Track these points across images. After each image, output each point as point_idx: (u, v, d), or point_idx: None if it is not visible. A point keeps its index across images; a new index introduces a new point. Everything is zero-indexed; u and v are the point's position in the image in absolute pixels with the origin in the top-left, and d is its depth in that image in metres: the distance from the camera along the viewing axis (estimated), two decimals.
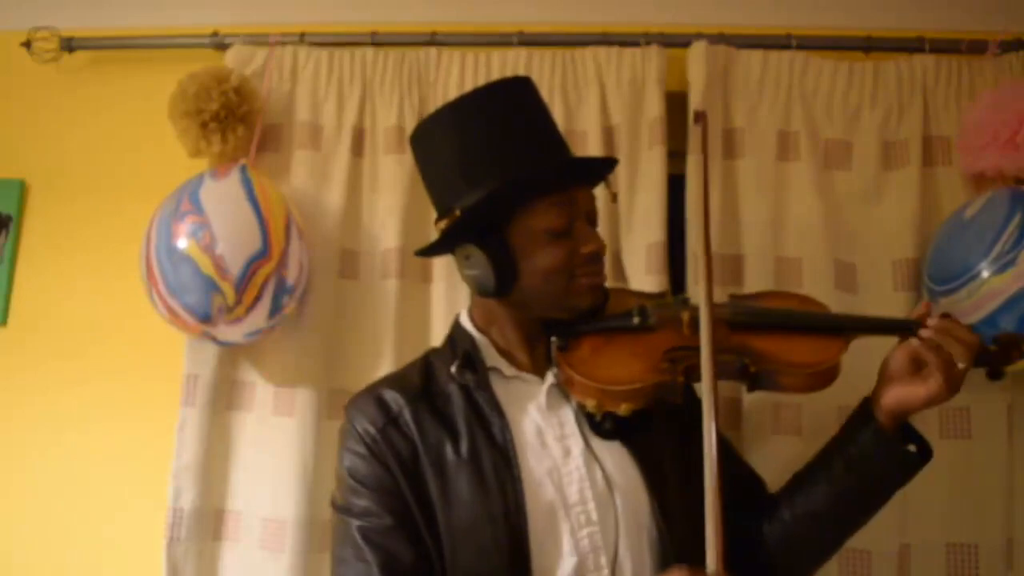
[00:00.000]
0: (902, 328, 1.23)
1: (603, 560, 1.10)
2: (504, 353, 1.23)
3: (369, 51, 1.78)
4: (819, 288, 1.64)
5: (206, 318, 1.53)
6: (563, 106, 1.73)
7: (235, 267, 1.51)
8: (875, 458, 1.18)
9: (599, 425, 1.17)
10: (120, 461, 1.77)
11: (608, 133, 1.72)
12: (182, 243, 1.52)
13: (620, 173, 1.70)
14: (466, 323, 1.27)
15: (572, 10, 1.87)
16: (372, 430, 1.16)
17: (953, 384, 1.13)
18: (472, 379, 1.18)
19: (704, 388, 1.08)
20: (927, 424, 1.62)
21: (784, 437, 1.59)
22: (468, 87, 1.73)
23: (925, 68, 1.73)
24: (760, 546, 1.25)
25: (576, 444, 1.16)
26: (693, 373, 1.16)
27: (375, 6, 1.87)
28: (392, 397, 1.19)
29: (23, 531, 1.78)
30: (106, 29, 1.90)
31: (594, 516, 1.11)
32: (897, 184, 1.70)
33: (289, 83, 1.79)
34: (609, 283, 1.63)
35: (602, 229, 1.65)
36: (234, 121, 1.66)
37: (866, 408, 1.21)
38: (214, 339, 1.59)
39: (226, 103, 1.65)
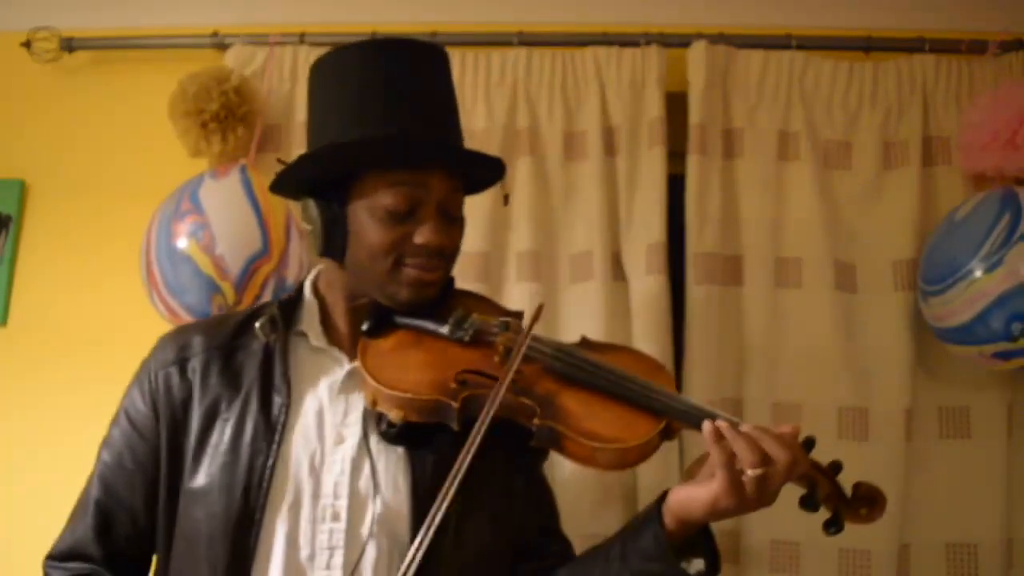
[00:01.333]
0: (710, 422, 1.01)
1: (339, 560, 1.03)
2: (327, 322, 1.17)
3: None
4: (819, 288, 1.64)
5: (206, 318, 1.53)
6: (563, 106, 1.73)
7: (235, 267, 1.51)
8: (651, 565, 1.01)
9: (383, 424, 1.08)
10: None
11: (608, 133, 1.72)
12: (182, 243, 1.52)
13: (620, 173, 1.70)
14: (306, 283, 1.21)
15: (572, 10, 1.87)
16: (157, 368, 1.14)
17: (738, 490, 0.94)
18: (273, 340, 1.13)
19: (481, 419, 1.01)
20: (927, 425, 1.63)
21: None
22: (468, 87, 1.73)
23: (925, 68, 1.73)
24: None
25: (352, 435, 1.08)
26: (473, 404, 1.05)
27: (375, 6, 1.88)
28: (195, 341, 1.15)
29: (23, 531, 1.77)
30: (106, 29, 1.90)
31: (343, 513, 1.04)
32: (897, 184, 1.70)
33: (289, 83, 1.79)
34: (608, 283, 1.65)
35: (602, 230, 1.66)
36: (234, 121, 1.66)
37: (659, 505, 1.03)
38: None
39: (226, 103, 1.65)
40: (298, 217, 1.63)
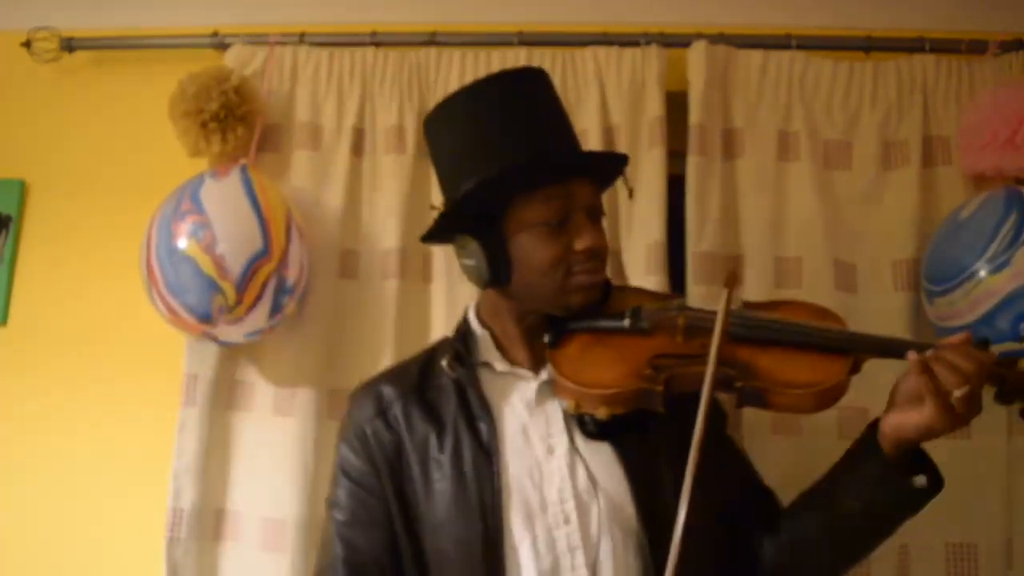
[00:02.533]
0: (906, 350, 1.11)
1: (580, 560, 1.09)
2: (502, 347, 1.23)
3: (369, 51, 1.78)
4: (819, 288, 1.64)
5: (206, 318, 1.53)
6: (561, 94, 1.73)
7: (235, 267, 1.51)
8: (877, 488, 1.10)
9: (585, 425, 1.15)
10: (120, 461, 1.77)
11: (608, 133, 1.72)
12: (182, 243, 1.52)
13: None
14: (471, 316, 1.27)
15: (572, 10, 1.87)
16: (362, 424, 1.21)
17: (949, 412, 1.02)
18: (463, 374, 1.19)
19: (703, 397, 1.04)
20: None
21: (784, 437, 1.59)
22: None
23: (925, 68, 1.73)
24: (761, 564, 1.21)
25: (560, 443, 1.15)
26: (675, 383, 1.11)
27: (375, 6, 1.87)
28: (387, 391, 1.22)
29: (23, 531, 1.78)
30: (106, 29, 1.90)
31: (572, 516, 1.11)
32: (897, 184, 1.70)
33: (289, 83, 1.79)
34: (614, 282, 1.65)
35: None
36: (234, 121, 1.67)
37: (872, 433, 1.12)
38: (214, 339, 1.59)
39: (226, 103, 1.65)
40: (298, 216, 1.64)
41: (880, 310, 1.66)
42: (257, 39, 1.80)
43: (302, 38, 1.80)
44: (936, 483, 1.11)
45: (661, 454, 1.15)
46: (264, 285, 1.54)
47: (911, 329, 1.63)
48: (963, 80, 1.72)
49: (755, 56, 1.74)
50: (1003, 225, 1.48)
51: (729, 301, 1.10)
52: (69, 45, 1.87)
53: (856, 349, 1.14)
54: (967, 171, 1.67)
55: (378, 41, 1.78)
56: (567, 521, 1.11)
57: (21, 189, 1.89)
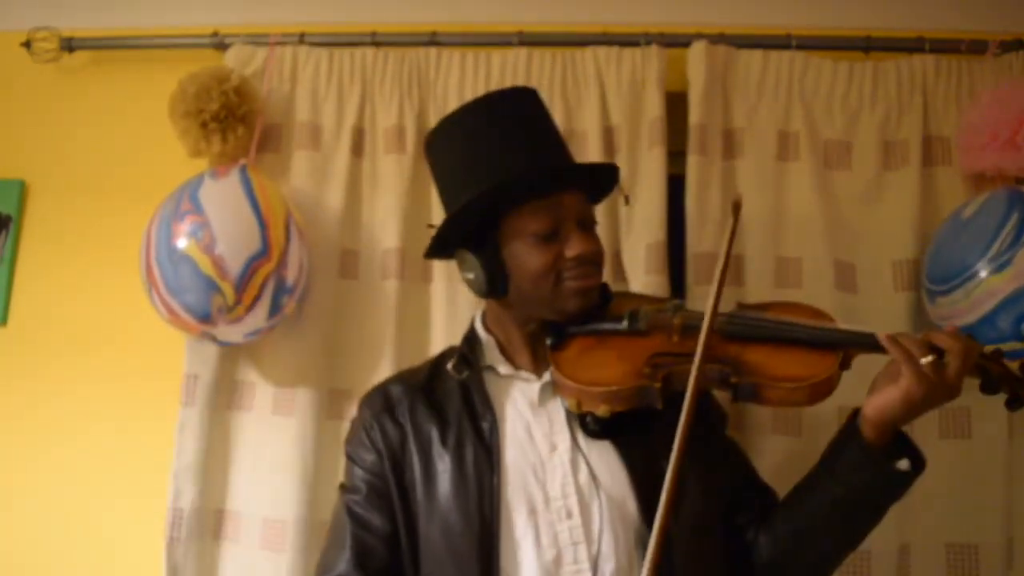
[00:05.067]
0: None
1: (583, 554, 1.12)
2: (506, 352, 1.28)
3: (369, 51, 1.78)
4: (819, 288, 1.64)
5: (206, 318, 1.53)
6: (563, 106, 1.73)
7: (235, 267, 1.51)
8: (861, 473, 1.13)
9: (587, 424, 1.19)
10: (120, 461, 1.77)
11: (608, 133, 1.72)
12: (182, 243, 1.52)
13: (620, 173, 1.69)
14: (477, 323, 1.33)
15: (572, 10, 1.87)
16: (370, 419, 1.26)
17: (923, 379, 1.06)
18: (468, 376, 1.25)
19: (688, 392, 1.09)
20: (927, 425, 1.63)
21: (784, 437, 1.59)
22: (468, 87, 1.74)
23: (925, 68, 1.73)
24: (757, 557, 1.24)
25: (563, 440, 1.19)
26: (673, 380, 1.16)
27: (375, 6, 1.88)
28: (395, 390, 1.28)
29: (23, 531, 1.78)
30: (106, 29, 1.90)
31: (575, 511, 1.14)
32: (897, 184, 1.70)
33: (289, 83, 1.79)
34: (608, 283, 1.65)
35: (602, 230, 1.65)
36: (234, 121, 1.67)
37: (853, 421, 1.17)
38: (214, 339, 1.59)
39: (226, 103, 1.65)
40: (298, 216, 1.64)
41: (880, 310, 1.66)
42: (257, 39, 1.80)
43: (302, 38, 1.80)
44: (918, 465, 1.14)
45: (661, 453, 1.15)
46: (263, 285, 1.54)
47: (911, 329, 1.63)
48: (963, 80, 1.72)
49: (755, 56, 1.74)
50: (1005, 225, 1.48)
51: (735, 228, 1.16)
52: (69, 45, 1.87)
53: (845, 344, 1.17)
54: (967, 171, 1.67)
55: (378, 41, 1.78)
56: (569, 516, 1.14)
57: (21, 189, 1.89)
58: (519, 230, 1.19)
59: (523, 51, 1.75)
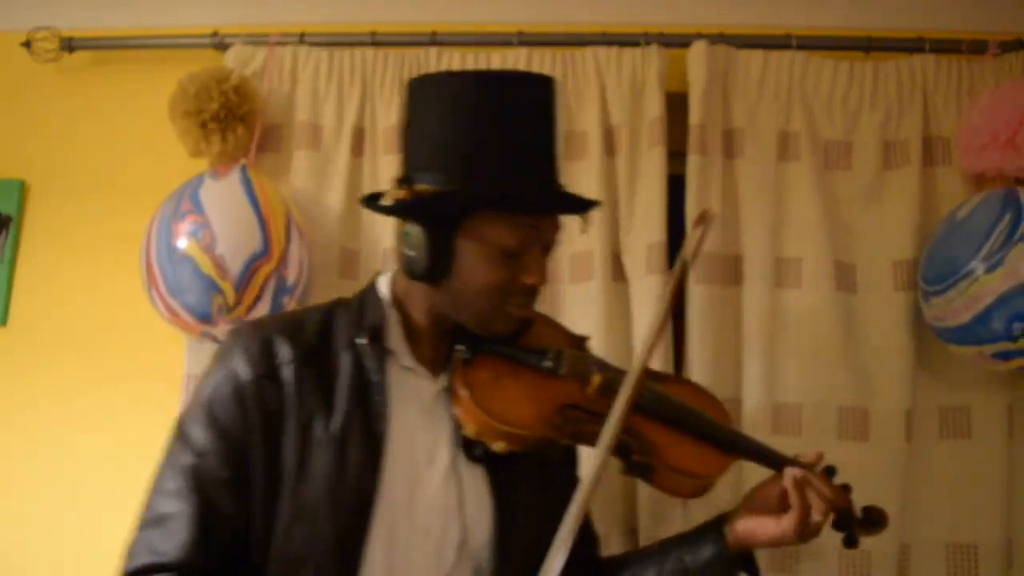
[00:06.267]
0: (780, 465, 1.20)
1: None
2: (409, 336, 1.16)
3: (369, 51, 1.78)
4: (819, 288, 1.64)
5: (206, 318, 1.53)
6: (563, 106, 1.73)
7: (235, 267, 1.51)
8: (710, 568, 1.17)
9: (473, 450, 1.12)
10: (120, 461, 1.77)
11: (608, 133, 1.72)
12: (182, 243, 1.52)
13: (620, 173, 1.70)
14: (383, 289, 1.19)
15: (572, 10, 1.87)
16: (248, 374, 1.07)
17: (804, 532, 1.12)
18: (370, 359, 1.11)
19: (596, 452, 1.05)
20: (928, 424, 1.63)
21: (784, 437, 1.59)
22: None
23: (925, 68, 1.73)
24: None
25: (442, 457, 1.11)
26: (580, 438, 1.14)
27: (375, 6, 1.88)
28: (281, 346, 1.10)
29: (23, 532, 1.78)
30: (106, 29, 1.90)
31: (434, 532, 1.08)
32: (897, 184, 1.70)
33: (289, 83, 1.79)
34: (608, 283, 1.66)
35: (602, 230, 1.66)
36: (234, 121, 1.66)
37: (720, 522, 1.20)
38: (214, 339, 1.59)
39: (226, 103, 1.65)
40: (298, 216, 1.64)
41: (880, 310, 1.66)
42: (257, 39, 1.80)
43: (302, 38, 1.80)
44: None
45: (523, 493, 1.14)
46: (264, 285, 1.54)
47: (911, 329, 1.64)
48: (963, 80, 1.72)
49: (755, 56, 1.74)
50: (998, 225, 1.49)
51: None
52: (69, 45, 1.87)
53: (740, 452, 1.24)
54: (967, 171, 1.67)
55: (378, 41, 1.78)
56: (427, 535, 1.08)
57: (21, 189, 1.89)
58: (486, 236, 1.08)
59: (523, 51, 1.75)
